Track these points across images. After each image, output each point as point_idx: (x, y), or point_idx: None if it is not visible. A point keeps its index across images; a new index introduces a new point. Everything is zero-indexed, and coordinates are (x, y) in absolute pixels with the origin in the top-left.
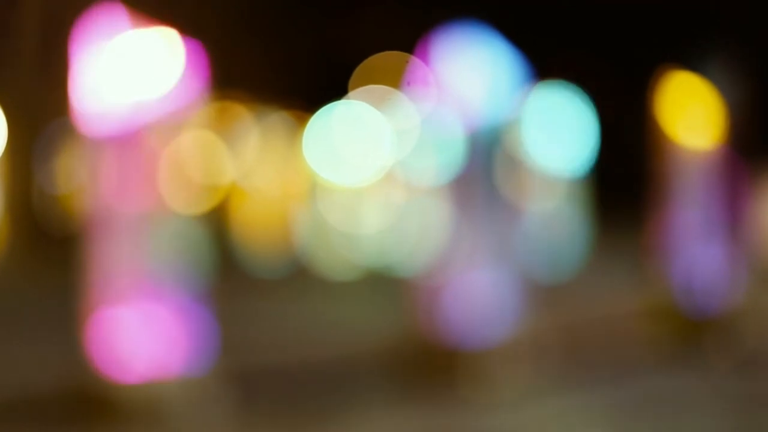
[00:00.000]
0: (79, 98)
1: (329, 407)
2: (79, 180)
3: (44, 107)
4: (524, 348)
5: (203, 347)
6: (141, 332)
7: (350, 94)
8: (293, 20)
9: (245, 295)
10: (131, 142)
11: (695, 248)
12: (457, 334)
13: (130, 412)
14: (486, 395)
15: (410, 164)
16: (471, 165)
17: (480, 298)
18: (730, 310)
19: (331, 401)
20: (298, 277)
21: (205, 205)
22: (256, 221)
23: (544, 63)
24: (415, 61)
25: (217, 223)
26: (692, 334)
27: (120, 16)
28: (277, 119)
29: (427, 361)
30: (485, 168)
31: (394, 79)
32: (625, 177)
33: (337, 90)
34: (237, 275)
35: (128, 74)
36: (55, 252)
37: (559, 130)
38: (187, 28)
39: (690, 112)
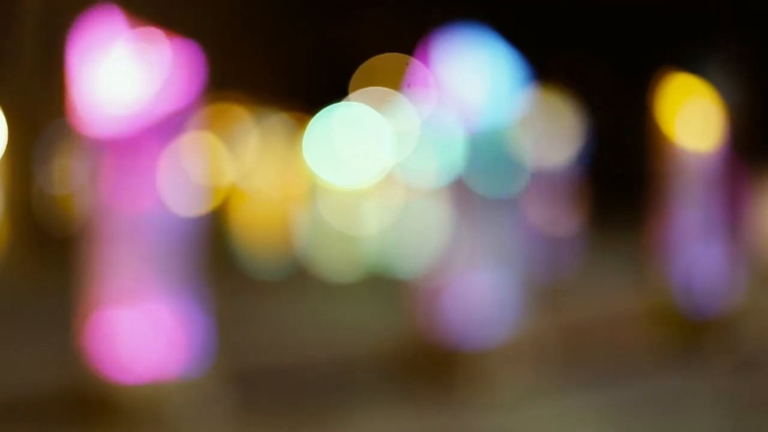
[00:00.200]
0: (78, 99)
1: (329, 407)
2: (78, 181)
3: (44, 108)
4: (524, 349)
5: (202, 348)
6: (141, 333)
7: (350, 95)
8: (293, 21)
9: (245, 295)
10: (130, 143)
11: (695, 249)
12: (456, 334)
13: (130, 412)
14: (486, 396)
15: (410, 166)
16: (471, 166)
17: (480, 299)
18: (730, 310)
19: (331, 401)
20: (298, 278)
21: (205, 207)
22: (256, 222)
23: (543, 64)
24: (415, 62)
25: (217, 224)
26: (692, 334)
27: (118, 17)
28: (277, 121)
29: (426, 361)
30: (485, 169)
31: (395, 81)
32: (625, 177)
33: (337, 91)
34: (237, 276)
35: (127, 76)
36: (54, 252)
37: (558, 130)
38: (187, 29)
39: (690, 113)
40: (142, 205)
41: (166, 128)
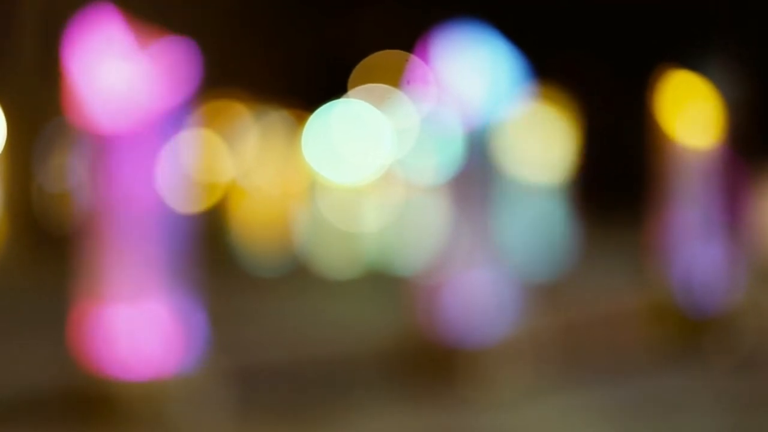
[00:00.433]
0: (77, 98)
1: (328, 405)
2: (77, 179)
3: (43, 106)
4: (524, 347)
5: (202, 345)
6: (139, 330)
7: (350, 92)
8: (293, 19)
9: (245, 293)
10: (129, 141)
11: (695, 248)
12: (456, 332)
13: (129, 410)
14: (485, 394)
15: (410, 163)
16: (470, 164)
17: (479, 297)
18: (730, 309)
19: (330, 399)
20: (297, 275)
21: (204, 204)
22: (255, 220)
23: (542, 63)
24: (414, 59)
25: (216, 221)
26: (692, 333)
27: (117, 17)
28: (277, 118)
29: (426, 359)
30: (484, 167)
31: (394, 78)
32: (625, 176)
33: (336, 89)
34: (237, 273)
35: (126, 74)
36: (53, 250)
37: (558, 129)
38: (187, 26)
39: (689, 112)
40: (140, 202)
41: (165, 126)
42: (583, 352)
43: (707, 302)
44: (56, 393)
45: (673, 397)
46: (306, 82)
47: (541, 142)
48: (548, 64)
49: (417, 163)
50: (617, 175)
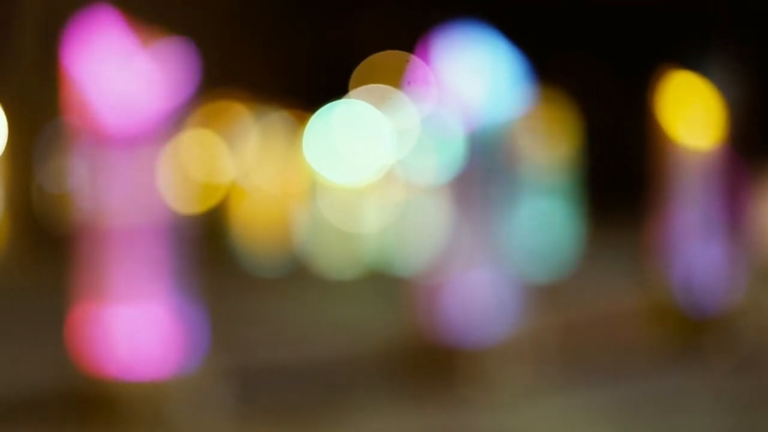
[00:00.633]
0: (77, 98)
1: (328, 405)
2: (77, 179)
3: (44, 107)
4: (524, 347)
5: (202, 346)
6: (140, 331)
7: (350, 93)
8: (293, 19)
9: (245, 293)
10: (129, 141)
11: (695, 248)
12: (456, 333)
13: (129, 411)
14: (485, 394)
15: (410, 163)
16: (471, 164)
17: (480, 297)
18: (730, 309)
19: (330, 399)
20: (297, 275)
21: (204, 204)
22: (256, 220)
23: (543, 63)
24: (415, 60)
25: (217, 221)
26: (692, 333)
27: (117, 17)
28: (277, 118)
29: (426, 360)
30: (485, 167)
31: (395, 79)
32: (625, 176)
33: (337, 89)
34: (237, 274)
35: (125, 75)
36: (54, 251)
37: (558, 129)
38: (188, 27)
39: (690, 112)
40: (140, 203)
41: (164, 127)
42: (583, 352)
43: (707, 302)
44: (56, 393)
45: (673, 397)
46: (306, 82)
47: (542, 142)
48: (548, 64)
49: (417, 163)
50: (617, 176)
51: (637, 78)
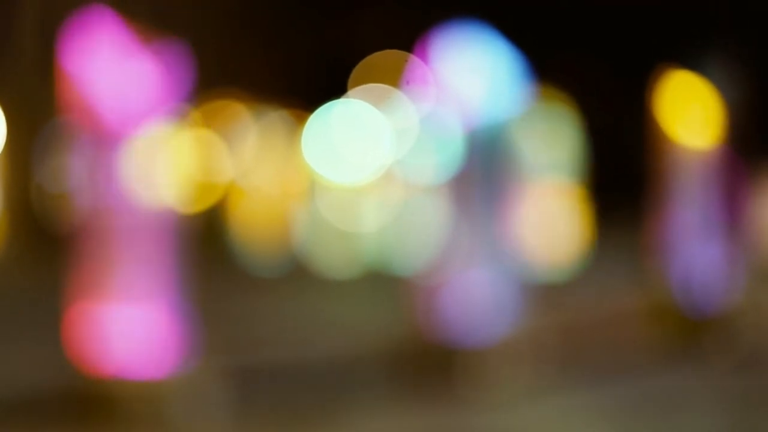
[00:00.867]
0: (76, 98)
1: (328, 405)
2: (76, 179)
3: (44, 107)
4: (523, 347)
5: (201, 345)
6: (139, 331)
7: (349, 92)
8: (292, 18)
9: (244, 293)
10: (128, 141)
11: (694, 247)
12: (456, 332)
13: (128, 411)
14: (485, 394)
15: (409, 163)
16: (470, 164)
17: (479, 297)
18: (729, 309)
19: (329, 399)
20: (296, 275)
21: (204, 204)
22: (254, 219)
23: (543, 63)
24: (414, 60)
25: (215, 221)
26: (691, 332)
27: (116, 17)
28: (276, 118)
29: (425, 359)
30: (484, 167)
31: (394, 78)
32: (625, 176)
33: (336, 88)
34: (236, 273)
35: (124, 75)
36: (54, 251)
37: (557, 129)
38: (187, 27)
39: (689, 112)
40: (139, 202)
41: (163, 126)
42: (583, 352)
43: (707, 302)
44: (55, 393)
45: (673, 397)
46: (306, 82)
47: (541, 142)
48: (548, 64)
49: (416, 163)
50: (617, 176)
51: (637, 78)
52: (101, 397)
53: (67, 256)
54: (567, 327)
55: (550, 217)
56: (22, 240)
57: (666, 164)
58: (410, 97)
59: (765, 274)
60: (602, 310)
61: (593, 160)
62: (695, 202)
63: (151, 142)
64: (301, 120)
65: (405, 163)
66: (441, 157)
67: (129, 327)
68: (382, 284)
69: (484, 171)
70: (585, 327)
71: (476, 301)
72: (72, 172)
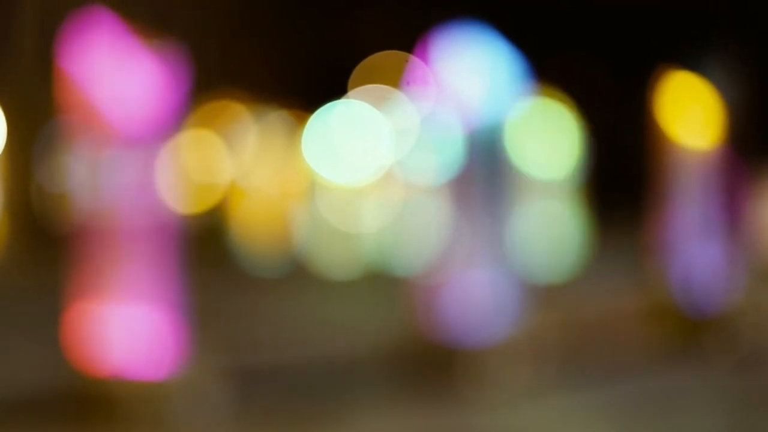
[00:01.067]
0: (76, 98)
1: (328, 405)
2: (76, 179)
3: (44, 107)
4: (523, 347)
5: (202, 345)
6: (138, 331)
7: (350, 93)
8: (293, 19)
9: (244, 293)
10: (128, 141)
11: (694, 247)
12: (456, 333)
13: (128, 411)
14: (485, 394)
15: (409, 163)
16: (470, 164)
17: (479, 297)
18: (729, 309)
19: (329, 399)
20: (296, 275)
21: (204, 204)
22: (255, 220)
23: (543, 63)
24: (414, 60)
25: (215, 221)
26: (691, 333)
27: (116, 17)
28: (277, 118)
29: (426, 359)
30: (484, 167)
31: (394, 79)
32: (625, 177)
33: (336, 89)
34: (236, 273)
35: (124, 75)
36: (53, 251)
37: (557, 129)
38: (187, 28)
39: (689, 112)
40: (138, 203)
41: (163, 126)
42: (582, 352)
43: (706, 302)
44: (55, 393)
45: (673, 397)
46: (306, 82)
47: (541, 142)
48: (548, 64)
49: (417, 163)
50: (617, 176)
51: (636, 78)
52: (101, 397)
53: (66, 256)
54: (567, 327)
55: (550, 217)
56: (22, 240)
57: (666, 164)
58: (410, 98)
59: (765, 274)
60: (602, 310)
61: (593, 160)
62: (695, 202)
63: (151, 143)
64: (301, 120)
65: (405, 164)
66: (441, 158)
67: (129, 327)
68: (382, 284)
69: (484, 171)
70: (585, 327)
71: (476, 301)
72: (72, 173)
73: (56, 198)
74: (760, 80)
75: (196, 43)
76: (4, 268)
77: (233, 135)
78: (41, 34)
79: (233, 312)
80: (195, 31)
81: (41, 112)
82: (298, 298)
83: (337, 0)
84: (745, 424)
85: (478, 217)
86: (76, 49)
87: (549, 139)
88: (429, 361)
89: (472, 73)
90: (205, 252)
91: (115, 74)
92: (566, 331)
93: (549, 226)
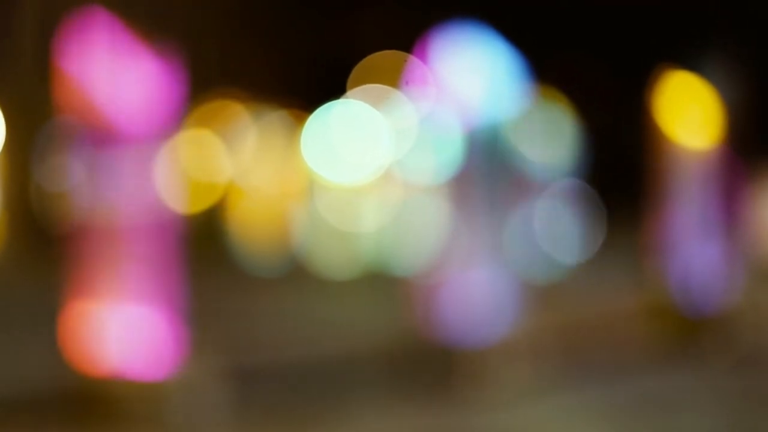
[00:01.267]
0: (76, 98)
1: (327, 405)
2: (75, 178)
3: (43, 107)
4: (523, 347)
5: (201, 345)
6: (138, 331)
7: (349, 92)
8: (292, 19)
9: (243, 293)
10: (127, 141)
11: (693, 247)
12: (455, 332)
13: (127, 411)
14: (484, 394)
15: (408, 163)
16: (469, 164)
17: (478, 296)
18: (728, 308)
19: (328, 399)
20: (295, 275)
21: (203, 204)
22: (254, 219)
23: (542, 63)
24: (413, 60)
25: (214, 221)
26: (690, 332)
27: (115, 18)
28: (276, 118)
29: (425, 359)
30: (483, 167)
31: (393, 79)
32: (624, 176)
33: (335, 89)
34: (235, 273)
35: (123, 75)
36: (53, 250)
37: (557, 129)
38: (187, 28)
39: (688, 112)
40: (137, 202)
41: (162, 126)
42: (581, 351)
43: (706, 302)
44: (55, 393)
45: (673, 397)
46: (305, 82)
47: (540, 142)
48: (547, 64)
49: (415, 163)
50: (616, 176)
51: (636, 78)
52: (101, 397)
53: (65, 255)
54: (567, 327)
55: (549, 217)
56: (21, 239)
57: (665, 164)
58: (410, 98)
59: (764, 274)
60: (602, 310)
61: (593, 160)
62: (695, 202)
63: (150, 142)
64: (301, 120)
65: (404, 163)
66: (440, 158)
67: (128, 327)
68: (382, 284)
69: (483, 171)
70: (585, 327)
71: (475, 300)
72: (71, 172)
73: (55, 197)
74: (760, 80)
75: (196, 43)
76: (4, 268)
77: (232, 134)
78: (41, 34)
79: (232, 312)
80: (194, 30)
81: (41, 112)
82: (297, 297)
83: (336, 0)
84: (744, 424)
85: (478, 217)
86: (75, 49)
87: (548, 139)
88: (428, 361)
89: (471, 73)
90: (204, 251)
91: (114, 74)
92: (566, 331)
93: (548, 226)
